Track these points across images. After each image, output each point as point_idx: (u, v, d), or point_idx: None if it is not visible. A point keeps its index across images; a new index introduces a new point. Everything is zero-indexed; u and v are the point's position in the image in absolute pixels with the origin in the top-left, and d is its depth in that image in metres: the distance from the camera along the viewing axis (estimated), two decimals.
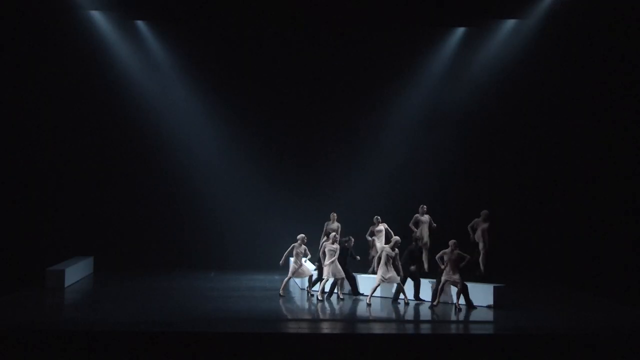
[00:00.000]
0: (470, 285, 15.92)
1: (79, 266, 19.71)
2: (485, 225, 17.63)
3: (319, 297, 16.57)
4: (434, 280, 16.15)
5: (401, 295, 16.34)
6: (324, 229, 18.25)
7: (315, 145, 23.04)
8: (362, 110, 22.93)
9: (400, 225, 18.31)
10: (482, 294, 15.88)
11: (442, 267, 15.66)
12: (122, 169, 22.56)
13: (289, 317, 15.12)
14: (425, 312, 15.50)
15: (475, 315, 15.10)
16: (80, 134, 22.35)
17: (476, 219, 17.86)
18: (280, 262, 17.30)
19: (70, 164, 22.21)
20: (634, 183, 20.93)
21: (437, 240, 17.68)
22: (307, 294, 17.22)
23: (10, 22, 20.78)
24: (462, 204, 21.38)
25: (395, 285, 16.42)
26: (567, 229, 21.85)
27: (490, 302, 15.74)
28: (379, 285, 16.19)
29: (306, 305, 16.52)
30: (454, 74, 22.90)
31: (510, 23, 22.23)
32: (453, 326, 14.40)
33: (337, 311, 15.73)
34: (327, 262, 16.53)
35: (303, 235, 17.23)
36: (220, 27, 22.22)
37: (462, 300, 15.63)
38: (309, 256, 17.22)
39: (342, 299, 16.66)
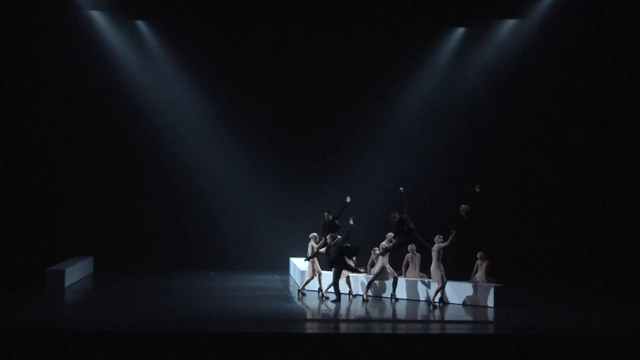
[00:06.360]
0: (469, 285, 15.99)
1: (79, 266, 19.70)
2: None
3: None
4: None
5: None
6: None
7: (315, 145, 23.01)
8: (361, 111, 22.91)
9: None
10: (482, 294, 15.89)
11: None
12: (122, 169, 22.55)
13: (289, 317, 15.10)
14: (424, 312, 15.50)
15: (475, 315, 15.10)
16: (80, 133, 22.36)
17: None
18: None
19: (70, 164, 22.21)
20: (633, 183, 20.97)
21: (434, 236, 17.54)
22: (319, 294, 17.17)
23: (10, 22, 20.81)
24: (461, 204, 21.35)
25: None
26: (567, 228, 21.87)
27: (490, 302, 15.75)
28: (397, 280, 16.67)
29: (306, 305, 16.52)
30: (454, 74, 22.88)
31: (510, 23, 22.23)
32: (453, 326, 14.38)
33: (337, 311, 15.74)
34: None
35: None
36: (220, 26, 22.22)
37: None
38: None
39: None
